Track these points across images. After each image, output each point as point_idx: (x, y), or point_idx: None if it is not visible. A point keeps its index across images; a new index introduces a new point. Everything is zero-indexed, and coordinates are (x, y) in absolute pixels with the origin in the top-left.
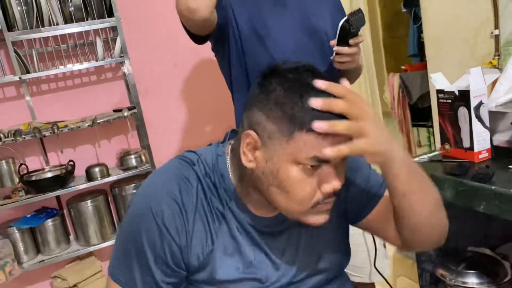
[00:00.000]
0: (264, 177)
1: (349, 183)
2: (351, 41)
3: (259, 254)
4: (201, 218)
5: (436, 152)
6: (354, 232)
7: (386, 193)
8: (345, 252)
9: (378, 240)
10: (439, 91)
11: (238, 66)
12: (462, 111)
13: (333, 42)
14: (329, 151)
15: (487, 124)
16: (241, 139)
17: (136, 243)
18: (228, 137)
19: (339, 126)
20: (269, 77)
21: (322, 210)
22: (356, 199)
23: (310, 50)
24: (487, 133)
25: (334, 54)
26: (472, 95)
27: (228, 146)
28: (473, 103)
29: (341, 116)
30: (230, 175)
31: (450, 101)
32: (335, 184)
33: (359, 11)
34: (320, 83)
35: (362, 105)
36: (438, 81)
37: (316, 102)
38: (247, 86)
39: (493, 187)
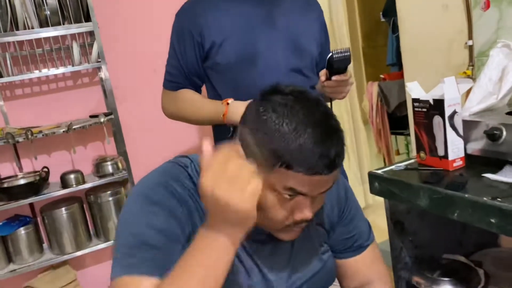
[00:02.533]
0: None
1: (339, 224)
2: (333, 78)
3: (248, 261)
4: (198, 217)
5: (412, 160)
6: None
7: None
8: (329, 261)
9: None
10: (414, 100)
11: (228, 95)
12: (436, 120)
13: (322, 72)
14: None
15: (461, 133)
16: None
17: (141, 230)
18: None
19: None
20: (267, 98)
21: (293, 231)
22: (335, 243)
23: (299, 70)
24: (461, 142)
25: (319, 83)
26: (446, 104)
27: None
28: (447, 112)
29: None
30: None
31: (425, 109)
32: (306, 214)
33: (346, 50)
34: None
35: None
36: (414, 90)
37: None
38: None
39: (466, 195)
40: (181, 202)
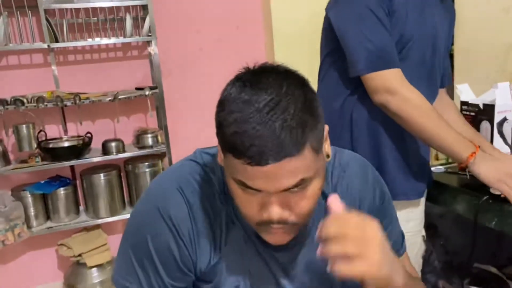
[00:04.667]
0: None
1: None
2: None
3: (261, 266)
4: (210, 223)
5: (453, 164)
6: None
7: None
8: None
9: None
10: (463, 103)
11: None
12: (484, 125)
13: None
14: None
15: (509, 141)
16: None
17: (143, 245)
18: None
19: (335, 249)
20: (243, 75)
21: (273, 231)
22: None
23: (428, 67)
24: (507, 150)
25: None
26: (497, 110)
27: None
28: (497, 118)
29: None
30: None
31: (473, 114)
32: (271, 213)
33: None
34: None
35: (361, 226)
36: (464, 92)
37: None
38: None
39: (506, 204)
40: (192, 216)
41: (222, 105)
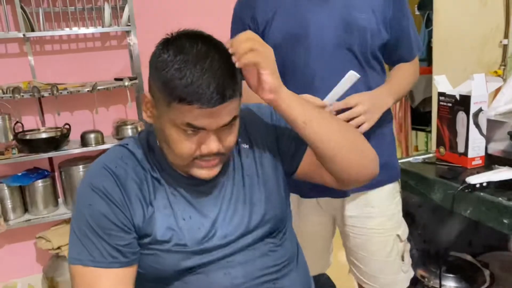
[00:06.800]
0: (158, 133)
1: (279, 136)
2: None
3: (194, 214)
4: (138, 186)
5: (431, 155)
6: (376, 240)
7: None
8: (282, 204)
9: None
10: (440, 94)
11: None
12: (460, 116)
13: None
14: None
15: (484, 132)
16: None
17: (82, 220)
18: None
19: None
20: (169, 42)
21: (204, 166)
22: (287, 150)
23: (350, 47)
24: (482, 141)
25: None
26: (472, 101)
27: None
28: (473, 109)
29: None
30: (159, 146)
31: (450, 104)
32: (211, 147)
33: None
34: None
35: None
36: (441, 83)
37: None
38: None
39: (481, 194)
40: (120, 184)
41: (160, 68)
